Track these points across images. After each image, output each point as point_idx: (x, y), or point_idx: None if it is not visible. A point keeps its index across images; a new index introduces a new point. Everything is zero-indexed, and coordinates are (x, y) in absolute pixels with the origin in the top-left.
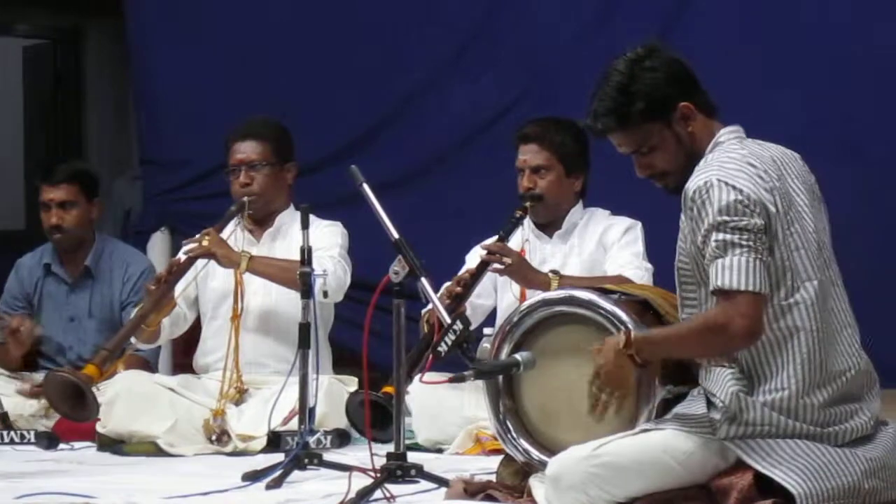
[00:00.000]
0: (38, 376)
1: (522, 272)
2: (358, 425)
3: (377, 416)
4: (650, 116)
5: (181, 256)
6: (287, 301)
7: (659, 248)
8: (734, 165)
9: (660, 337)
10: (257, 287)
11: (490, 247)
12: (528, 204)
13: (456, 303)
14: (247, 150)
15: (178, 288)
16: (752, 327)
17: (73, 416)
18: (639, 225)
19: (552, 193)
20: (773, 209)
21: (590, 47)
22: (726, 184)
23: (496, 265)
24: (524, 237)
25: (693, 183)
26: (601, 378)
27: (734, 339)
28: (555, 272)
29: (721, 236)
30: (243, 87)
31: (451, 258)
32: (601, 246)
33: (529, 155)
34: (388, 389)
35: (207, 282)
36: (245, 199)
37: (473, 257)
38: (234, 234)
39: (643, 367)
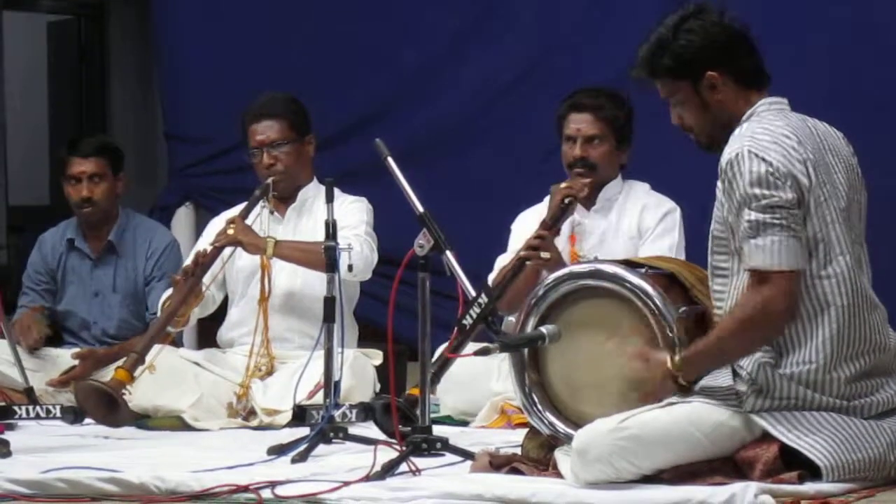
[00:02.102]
0: (63, 351)
1: (559, 269)
2: (384, 426)
3: (400, 419)
4: (675, 75)
5: (207, 247)
6: (313, 280)
7: (695, 224)
8: (767, 137)
9: (703, 347)
10: (283, 264)
11: (530, 241)
12: (582, 171)
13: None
14: (266, 130)
15: (205, 279)
16: (789, 304)
17: (106, 421)
18: (677, 211)
19: (604, 164)
20: (805, 181)
21: (605, 16)
22: (756, 155)
23: (535, 260)
24: (575, 221)
25: (725, 154)
26: (640, 389)
27: (776, 319)
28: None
29: (753, 216)
30: (265, 61)
31: (469, 229)
32: (638, 228)
33: (584, 124)
34: (415, 392)
35: (234, 261)
36: (269, 180)
37: (519, 228)
38: (260, 215)
39: (683, 388)
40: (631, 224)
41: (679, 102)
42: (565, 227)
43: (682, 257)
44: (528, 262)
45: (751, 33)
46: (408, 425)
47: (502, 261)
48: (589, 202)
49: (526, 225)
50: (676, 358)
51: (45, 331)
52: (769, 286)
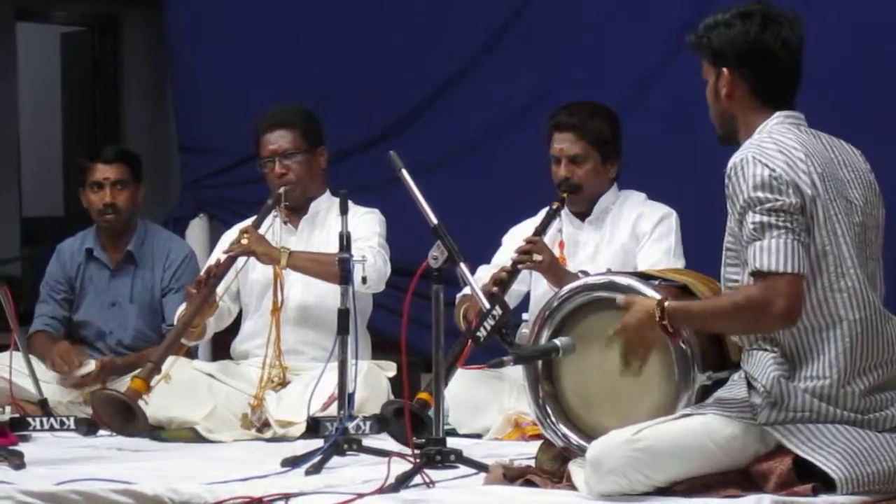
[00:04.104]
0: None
1: (553, 270)
2: (394, 434)
3: (412, 424)
4: (706, 56)
5: (221, 257)
6: (326, 292)
7: (695, 234)
8: (773, 147)
9: (696, 309)
10: (296, 277)
11: (522, 247)
12: (564, 195)
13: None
14: (278, 139)
15: (219, 289)
16: (791, 308)
17: (123, 431)
18: (673, 215)
19: (590, 183)
20: (808, 192)
21: (625, 32)
22: (760, 161)
23: (528, 263)
24: (560, 227)
25: (730, 161)
26: (624, 337)
27: (773, 320)
28: (584, 273)
29: (758, 218)
30: (279, 72)
31: (486, 242)
32: (634, 235)
33: (566, 144)
34: (423, 396)
35: (248, 274)
36: (281, 190)
37: (510, 241)
38: (272, 226)
39: (672, 335)
40: (625, 233)
41: (705, 81)
42: (552, 234)
43: (682, 261)
44: (520, 266)
45: (797, 55)
46: (419, 429)
47: (483, 271)
48: (584, 214)
49: (515, 238)
50: (666, 304)
51: (82, 361)
52: (770, 286)
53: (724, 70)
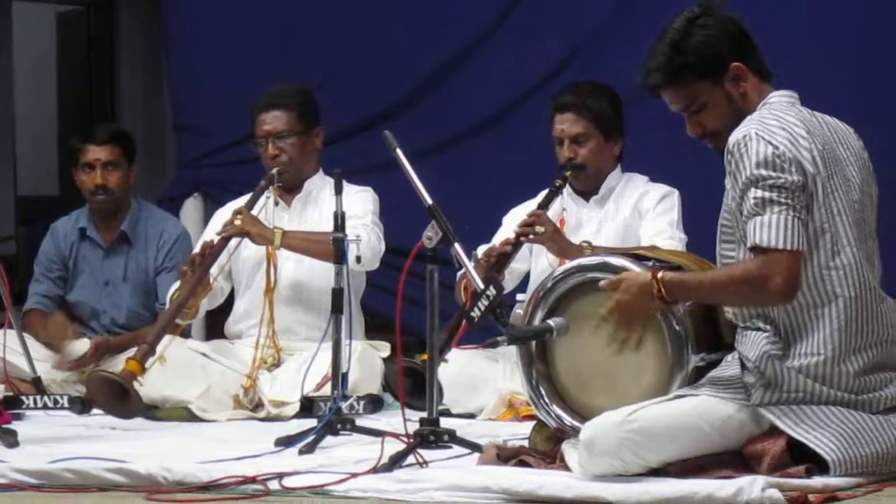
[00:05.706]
0: (74, 344)
1: (556, 241)
2: (396, 392)
3: (416, 383)
4: (701, 73)
5: (214, 238)
6: (319, 271)
7: (696, 216)
8: (775, 123)
9: (694, 281)
10: (288, 254)
11: (524, 220)
12: (567, 173)
13: (495, 270)
14: (273, 120)
15: (213, 270)
16: (789, 285)
17: (117, 413)
18: (676, 193)
19: (593, 161)
20: (810, 169)
21: (633, 14)
22: (763, 138)
23: (530, 235)
24: (562, 205)
25: (732, 137)
26: (616, 312)
27: (771, 296)
28: (587, 243)
29: (759, 193)
30: (277, 53)
31: (490, 224)
32: (636, 212)
33: (567, 124)
34: (426, 357)
35: (240, 251)
36: (274, 171)
37: (511, 221)
38: (265, 206)
39: (669, 304)
40: (628, 209)
41: (700, 107)
42: (555, 212)
43: (684, 235)
44: (522, 239)
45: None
46: (423, 387)
47: (484, 250)
48: (589, 193)
49: (516, 218)
50: (660, 274)
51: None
52: (769, 262)
53: (733, 64)
